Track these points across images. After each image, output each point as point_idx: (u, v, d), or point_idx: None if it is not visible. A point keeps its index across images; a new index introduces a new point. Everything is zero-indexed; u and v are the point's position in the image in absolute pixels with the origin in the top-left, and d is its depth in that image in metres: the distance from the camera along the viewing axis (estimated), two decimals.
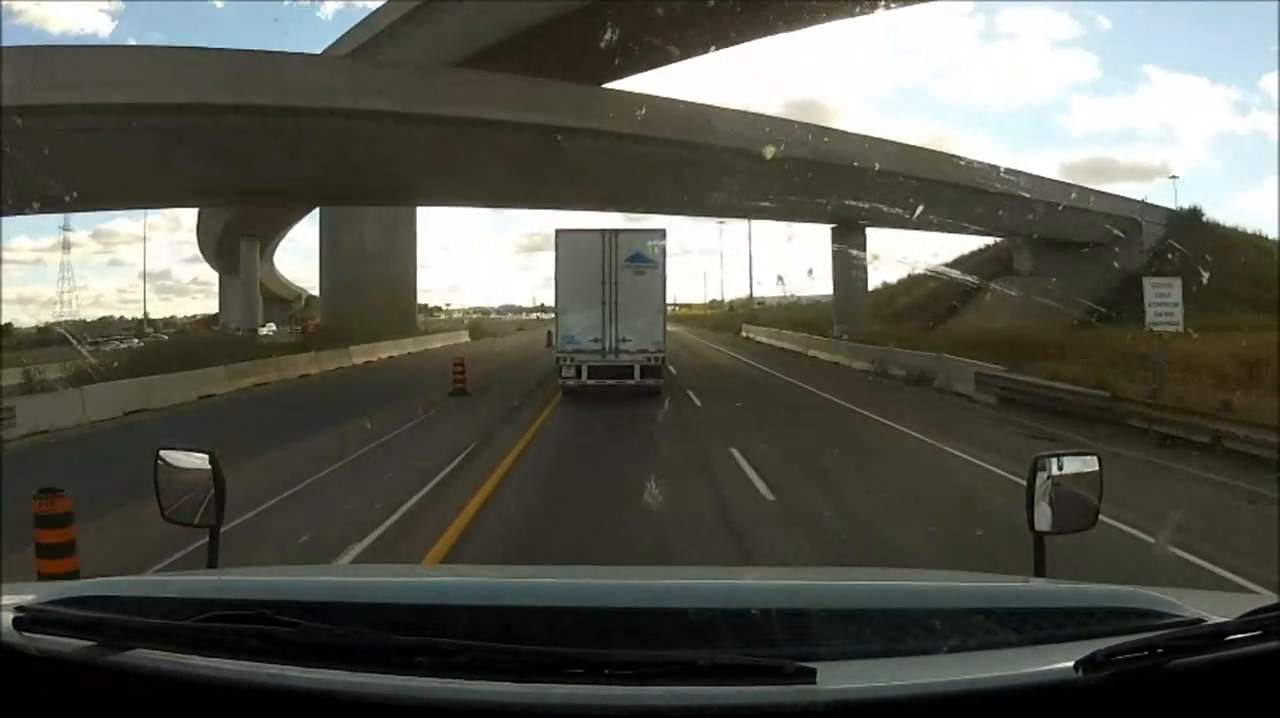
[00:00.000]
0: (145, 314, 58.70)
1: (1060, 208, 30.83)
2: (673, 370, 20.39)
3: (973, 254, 46.65)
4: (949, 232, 35.14)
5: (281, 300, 66.78)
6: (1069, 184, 36.62)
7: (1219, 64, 64.88)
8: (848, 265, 31.58)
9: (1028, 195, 30.94)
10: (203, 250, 66.11)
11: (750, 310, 52.53)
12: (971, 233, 37.69)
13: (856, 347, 24.26)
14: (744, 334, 41.56)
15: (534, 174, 22.37)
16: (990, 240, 40.95)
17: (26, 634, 1.16)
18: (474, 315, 75.54)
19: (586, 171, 22.37)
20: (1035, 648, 1.23)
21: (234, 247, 60.90)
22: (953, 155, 31.14)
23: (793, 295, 53.02)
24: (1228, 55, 63.72)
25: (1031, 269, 36.50)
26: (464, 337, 40.81)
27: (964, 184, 29.13)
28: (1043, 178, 35.55)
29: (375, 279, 33.25)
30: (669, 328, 18.78)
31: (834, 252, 32.15)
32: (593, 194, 24.54)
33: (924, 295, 37.39)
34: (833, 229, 32.56)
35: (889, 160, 26.60)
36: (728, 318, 55.00)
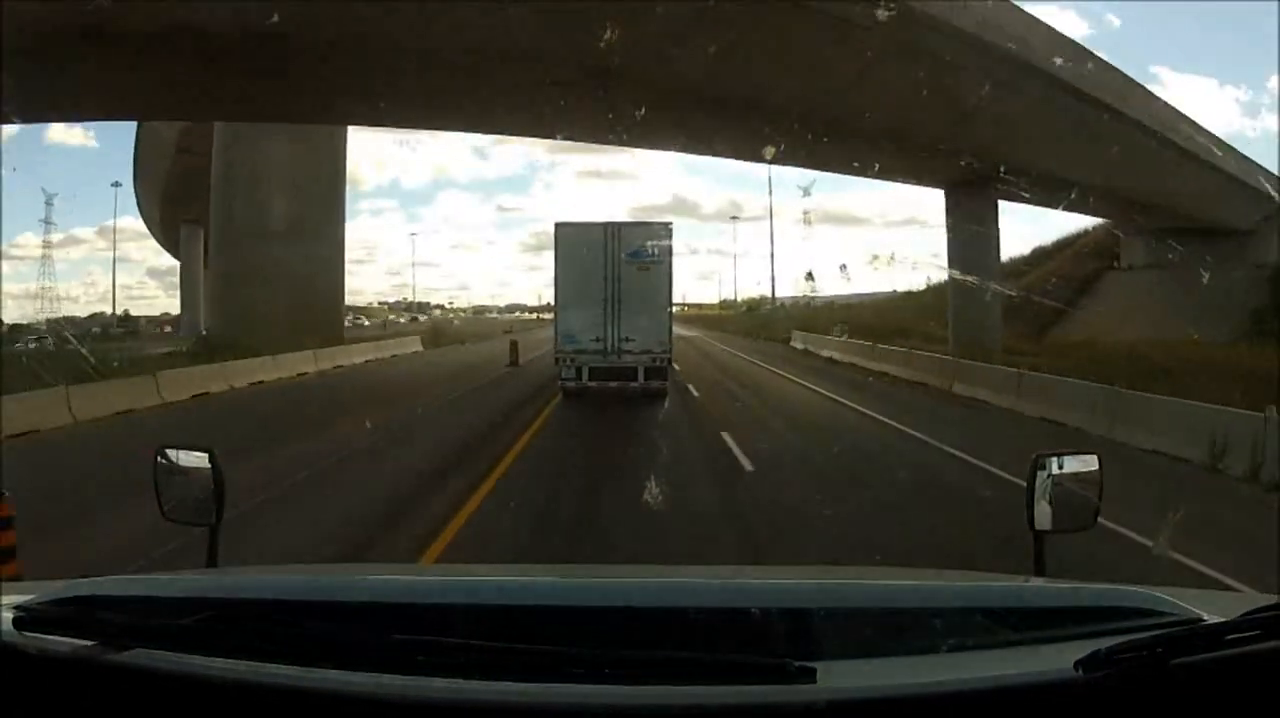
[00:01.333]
0: (115, 311, 51.92)
1: (1206, 170, 22.62)
2: (745, 465, 9.09)
3: (1058, 245, 37.02)
4: (1059, 207, 26.38)
5: None
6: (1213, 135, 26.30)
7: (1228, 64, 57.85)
8: (972, 247, 21.06)
9: (1185, 146, 21.13)
10: (158, 239, 58.41)
11: (801, 310, 42.80)
12: (1089, 211, 28.48)
13: (1087, 391, 12.10)
14: (795, 345, 31.02)
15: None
16: (1083, 223, 31.76)
17: (26, 634, 1.17)
18: (465, 314, 67.23)
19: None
20: (1035, 648, 1.23)
21: (176, 235, 53.01)
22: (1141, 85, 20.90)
23: (808, 296, 44.98)
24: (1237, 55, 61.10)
25: (1147, 263, 30.21)
26: (415, 345, 29.97)
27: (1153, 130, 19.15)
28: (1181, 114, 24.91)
29: (280, 266, 23.30)
30: (678, 331, 18.11)
31: (950, 224, 21.68)
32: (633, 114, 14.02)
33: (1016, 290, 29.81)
34: (948, 197, 22.10)
35: (1080, 73, 16.24)
36: (758, 322, 46.46)
